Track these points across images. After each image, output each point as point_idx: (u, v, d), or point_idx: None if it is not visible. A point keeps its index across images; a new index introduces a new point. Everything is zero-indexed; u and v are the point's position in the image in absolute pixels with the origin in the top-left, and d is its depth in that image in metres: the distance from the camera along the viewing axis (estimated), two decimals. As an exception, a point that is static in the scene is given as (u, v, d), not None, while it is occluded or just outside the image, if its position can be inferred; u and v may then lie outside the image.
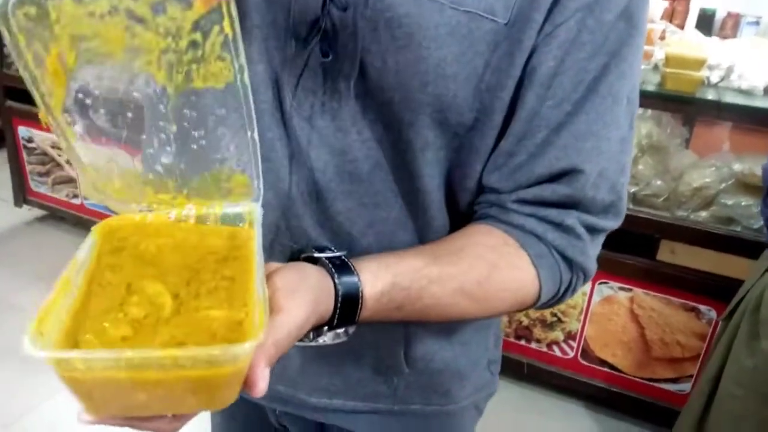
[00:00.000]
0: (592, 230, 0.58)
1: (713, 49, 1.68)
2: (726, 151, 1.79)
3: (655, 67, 1.70)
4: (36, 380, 2.00)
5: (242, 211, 0.51)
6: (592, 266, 0.60)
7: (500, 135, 0.57)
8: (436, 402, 0.75)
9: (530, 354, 2.00)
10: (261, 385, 0.41)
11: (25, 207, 2.89)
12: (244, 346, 0.36)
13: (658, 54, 1.66)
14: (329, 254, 0.53)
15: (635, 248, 1.78)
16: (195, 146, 0.51)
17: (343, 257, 0.52)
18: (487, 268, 0.55)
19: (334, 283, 0.50)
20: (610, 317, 1.85)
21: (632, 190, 1.70)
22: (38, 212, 2.96)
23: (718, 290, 1.66)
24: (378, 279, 0.52)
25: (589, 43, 0.53)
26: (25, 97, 2.63)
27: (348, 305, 0.51)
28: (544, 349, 1.97)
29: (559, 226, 0.57)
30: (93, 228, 0.48)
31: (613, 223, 0.59)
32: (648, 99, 1.64)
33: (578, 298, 1.87)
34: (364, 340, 0.68)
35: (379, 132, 0.58)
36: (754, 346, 1.37)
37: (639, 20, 0.54)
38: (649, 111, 1.76)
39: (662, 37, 1.82)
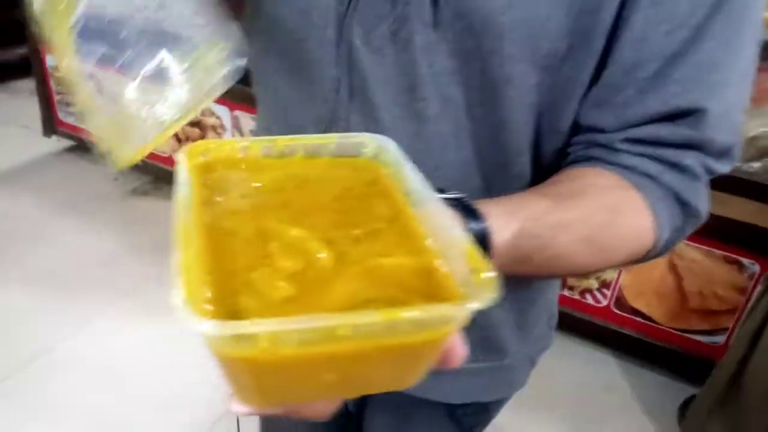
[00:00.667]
0: (709, 172, 0.52)
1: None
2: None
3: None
4: (72, 307, 2.03)
5: (361, 140, 0.43)
6: (706, 209, 0.53)
7: (600, 66, 0.51)
8: (490, 358, 0.73)
9: (562, 302, 1.97)
10: (461, 352, 0.34)
11: (54, 138, 2.88)
12: (486, 298, 0.29)
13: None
14: (448, 195, 0.45)
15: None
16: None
17: (465, 200, 0.44)
18: (609, 213, 0.49)
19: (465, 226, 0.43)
20: (647, 266, 1.81)
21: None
22: (67, 143, 2.95)
23: (764, 244, 1.61)
24: (506, 225, 0.45)
25: None
26: (53, 23, 2.57)
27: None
28: (577, 297, 1.95)
29: (676, 166, 0.51)
30: (181, 159, 0.38)
31: (729, 167, 0.53)
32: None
33: (616, 246, 1.83)
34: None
35: (455, 66, 0.52)
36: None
37: None
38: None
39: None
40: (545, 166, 0.57)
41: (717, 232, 1.69)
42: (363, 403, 0.87)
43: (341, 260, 0.34)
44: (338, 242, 0.35)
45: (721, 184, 1.68)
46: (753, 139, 1.58)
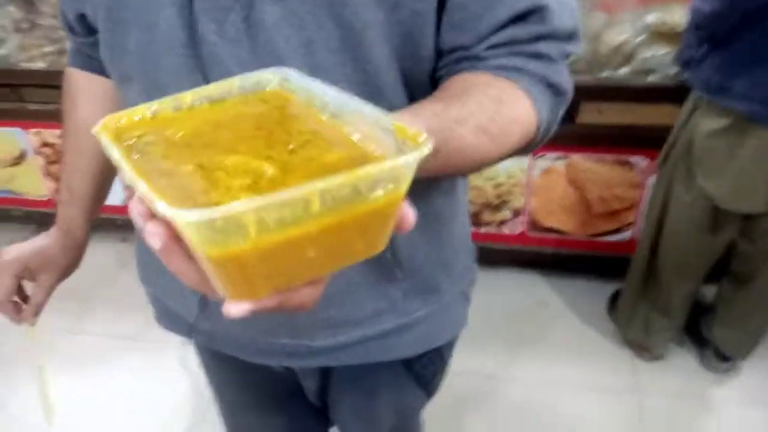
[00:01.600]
0: (564, 55, 0.60)
1: None
2: (633, 4, 1.84)
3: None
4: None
5: (261, 76, 0.45)
6: (570, 87, 0.62)
7: None
8: (432, 300, 0.77)
9: (481, 238, 2.07)
10: (411, 216, 0.37)
11: None
12: (424, 149, 0.33)
13: None
14: None
15: (570, 116, 1.84)
16: None
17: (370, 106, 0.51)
18: (494, 104, 0.55)
19: None
20: (550, 187, 1.93)
21: (554, 60, 1.74)
22: None
23: (646, 141, 1.77)
24: (414, 124, 0.51)
25: None
26: None
27: None
28: (494, 231, 2.05)
29: (535, 56, 0.58)
30: (95, 131, 0.39)
31: (577, 48, 0.62)
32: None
33: (519, 175, 1.93)
34: None
35: (311, 34, 0.56)
36: (690, 183, 1.49)
37: None
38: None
39: None
40: (420, 96, 0.62)
41: (604, 139, 1.83)
42: (324, 391, 0.89)
43: (285, 169, 0.36)
44: (276, 158, 0.37)
45: (597, 95, 1.81)
46: (617, 48, 1.71)
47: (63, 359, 1.97)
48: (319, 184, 0.30)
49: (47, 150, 2.29)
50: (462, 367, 0.90)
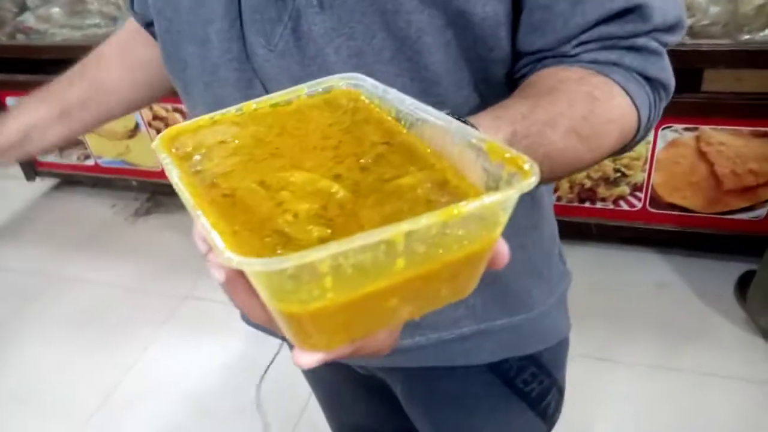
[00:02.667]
0: (664, 45, 0.53)
1: None
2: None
3: None
4: (122, 341, 2.00)
5: (331, 83, 0.40)
6: (673, 81, 0.55)
7: None
8: (521, 311, 0.72)
9: (596, 214, 1.97)
10: (505, 253, 0.33)
11: (38, 179, 2.78)
12: (531, 180, 0.28)
13: None
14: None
15: (693, 84, 1.69)
16: None
17: (452, 114, 0.46)
18: (587, 101, 0.49)
19: None
20: (676, 160, 1.79)
21: (689, 23, 1.58)
22: (50, 182, 2.85)
23: (791, 109, 1.59)
24: (499, 130, 0.45)
25: None
26: (11, 66, 2.44)
27: None
28: (611, 206, 1.94)
29: (631, 48, 0.52)
30: (155, 147, 0.37)
31: (679, 37, 0.54)
32: None
33: (641, 147, 1.80)
34: None
35: (362, 43, 0.52)
36: None
37: None
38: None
39: None
40: (494, 100, 0.55)
41: (740, 110, 1.66)
42: (411, 397, 0.85)
43: (357, 191, 0.32)
44: (346, 176, 0.33)
45: (734, 60, 1.66)
46: (761, 8, 1.54)
47: (179, 322, 2.06)
48: (404, 226, 0.26)
49: (159, 123, 2.37)
50: (571, 351, 0.83)
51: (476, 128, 0.41)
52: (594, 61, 0.51)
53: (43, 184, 2.85)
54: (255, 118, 0.39)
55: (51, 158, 2.67)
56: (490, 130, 0.44)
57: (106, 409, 1.82)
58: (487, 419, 0.82)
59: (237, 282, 0.31)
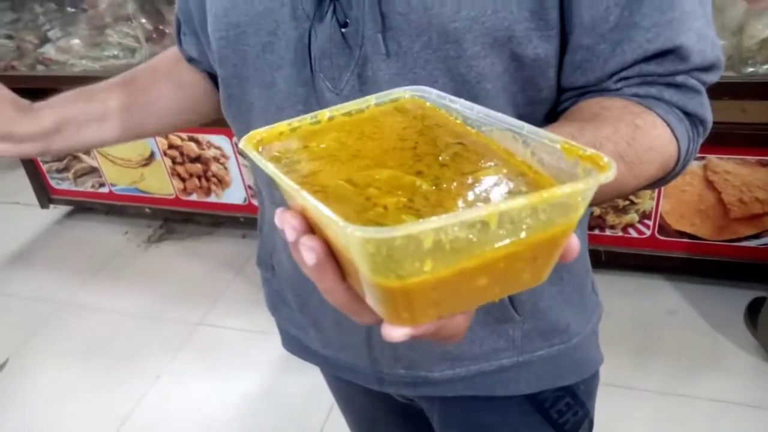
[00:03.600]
0: (703, 84, 0.56)
1: None
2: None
3: None
4: (135, 369, 2.01)
5: (398, 95, 0.43)
6: (710, 117, 0.58)
7: (563, 35, 0.54)
8: (558, 341, 0.73)
9: (605, 241, 2.00)
10: (576, 244, 0.34)
11: (51, 206, 2.82)
12: (609, 173, 0.30)
13: None
14: None
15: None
16: None
17: None
18: (631, 128, 0.51)
19: None
20: (683, 189, 1.83)
21: (694, 56, 1.64)
22: (63, 209, 2.89)
23: (796, 140, 1.63)
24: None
25: None
26: (30, 96, 2.48)
27: None
28: (620, 234, 1.97)
29: (671, 85, 0.54)
30: (243, 146, 0.39)
31: (717, 76, 0.57)
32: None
33: (649, 177, 1.84)
34: None
35: (425, 84, 0.53)
36: None
37: None
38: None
39: None
40: None
41: (746, 139, 1.70)
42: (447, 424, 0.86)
43: (439, 185, 0.34)
44: (427, 172, 0.35)
45: (741, 92, 1.70)
46: (764, 42, 1.59)
47: (192, 350, 2.08)
48: (501, 205, 0.28)
49: (173, 152, 2.41)
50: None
51: None
52: (635, 95, 0.54)
53: (56, 211, 2.89)
54: (333, 126, 0.41)
55: (65, 186, 2.71)
56: None
57: (121, 435, 1.82)
58: None
59: (327, 265, 0.33)
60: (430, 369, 0.73)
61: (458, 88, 0.55)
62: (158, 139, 2.39)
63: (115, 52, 2.27)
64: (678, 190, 1.84)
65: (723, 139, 1.72)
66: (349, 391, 0.98)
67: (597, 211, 1.95)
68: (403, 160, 0.36)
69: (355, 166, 0.36)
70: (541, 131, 0.35)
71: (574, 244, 0.34)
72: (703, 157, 1.76)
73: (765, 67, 1.63)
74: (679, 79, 0.54)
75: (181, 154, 2.40)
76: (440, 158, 0.36)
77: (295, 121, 0.41)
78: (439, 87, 0.54)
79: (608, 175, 0.30)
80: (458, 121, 0.40)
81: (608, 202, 0.64)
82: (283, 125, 0.41)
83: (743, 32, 1.62)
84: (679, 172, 0.58)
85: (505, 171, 0.35)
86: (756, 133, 1.69)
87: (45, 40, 2.37)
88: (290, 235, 0.34)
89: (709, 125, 0.58)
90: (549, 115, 0.59)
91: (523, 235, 0.30)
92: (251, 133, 0.40)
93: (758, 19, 1.62)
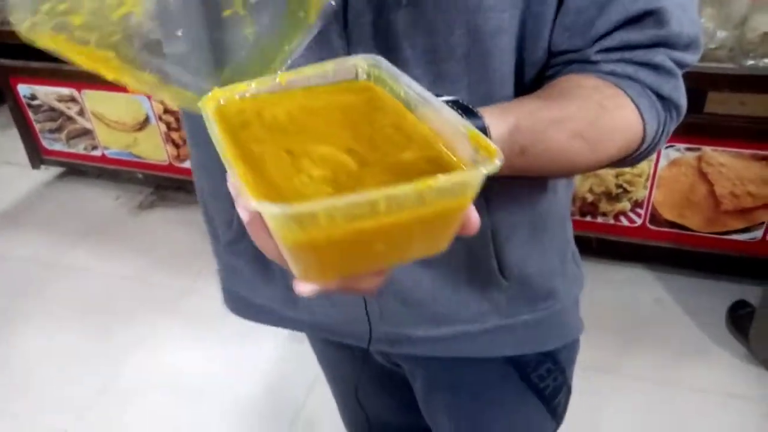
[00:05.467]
0: (680, 65, 0.57)
1: None
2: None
3: None
4: (120, 332, 2.01)
5: (354, 62, 0.47)
6: (685, 102, 0.58)
7: None
8: (542, 306, 0.75)
9: (597, 228, 2.01)
10: (476, 220, 0.38)
11: (42, 167, 2.80)
12: (495, 163, 0.34)
13: None
14: (444, 98, 0.49)
15: (696, 105, 1.74)
16: None
17: (461, 101, 0.48)
18: (596, 109, 0.53)
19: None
20: (677, 179, 1.84)
21: (696, 46, 1.64)
22: (55, 171, 2.87)
23: (792, 135, 1.64)
24: (502, 120, 0.49)
25: None
26: (20, 52, 2.46)
27: None
28: (611, 221, 1.98)
29: (648, 65, 0.55)
30: (201, 105, 0.43)
31: (696, 57, 0.58)
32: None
33: (644, 165, 1.85)
34: (455, 263, 0.68)
35: (442, 35, 0.55)
36: None
37: None
38: (703, -42, 1.66)
39: None
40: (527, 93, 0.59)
41: (741, 132, 1.71)
42: (430, 390, 0.87)
43: (364, 163, 0.39)
44: (357, 150, 0.40)
45: (741, 84, 1.71)
46: (766, 35, 1.59)
47: (179, 316, 2.08)
48: (389, 191, 0.32)
49: (169, 117, 2.39)
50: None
51: (480, 115, 0.48)
52: (612, 73, 0.55)
53: (47, 172, 2.87)
54: (289, 97, 0.45)
55: (57, 147, 2.68)
56: (494, 118, 0.48)
57: (105, 399, 1.83)
58: (501, 412, 0.84)
59: (257, 223, 0.37)
60: (415, 328, 0.74)
61: (474, 42, 0.55)
62: (154, 103, 2.37)
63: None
64: (672, 180, 1.85)
65: (720, 131, 1.73)
66: (333, 356, 0.99)
67: (590, 197, 1.96)
68: (341, 138, 0.41)
69: (299, 140, 0.41)
70: (458, 118, 0.39)
71: (474, 220, 0.38)
72: (698, 149, 1.77)
73: (766, 60, 1.63)
74: (657, 59, 0.55)
75: (177, 119, 2.38)
76: (372, 140, 0.41)
77: (254, 83, 0.45)
78: (456, 38, 0.55)
79: (495, 166, 0.34)
80: (399, 103, 0.44)
81: (570, 175, 0.67)
82: (242, 86, 0.44)
83: (745, 25, 1.62)
84: (648, 152, 0.59)
85: (423, 156, 0.39)
86: (753, 126, 1.69)
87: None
88: (233, 193, 0.38)
89: (683, 110, 0.59)
90: (537, 78, 0.60)
91: (413, 211, 0.34)
92: (213, 92, 0.44)
93: (761, 12, 1.62)
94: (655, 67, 0.55)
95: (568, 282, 0.78)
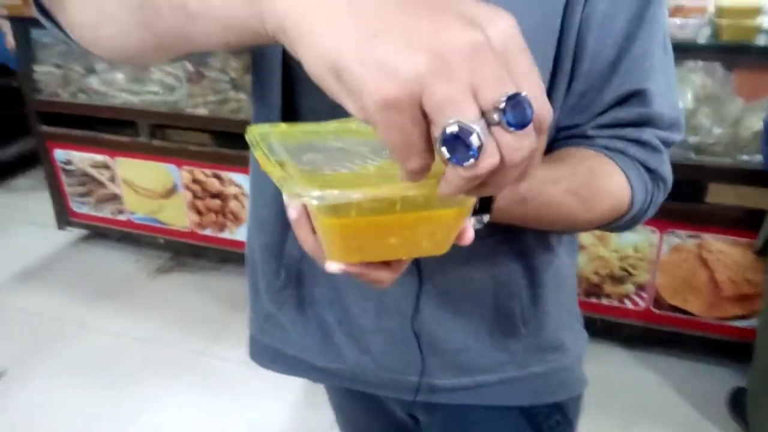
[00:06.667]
0: (665, 143, 0.66)
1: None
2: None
3: (708, 21, 1.76)
4: (130, 392, 2.04)
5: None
6: (670, 176, 0.68)
7: (570, 80, 0.65)
8: (552, 358, 0.81)
9: (601, 310, 2.08)
10: (471, 234, 0.47)
11: (68, 228, 2.91)
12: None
13: (710, 7, 1.72)
14: None
15: (697, 195, 1.86)
16: None
17: None
18: (588, 173, 0.62)
19: None
20: (679, 265, 1.93)
21: (693, 141, 1.77)
22: (79, 233, 2.98)
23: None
24: None
25: None
26: (59, 120, 2.64)
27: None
28: (616, 304, 2.05)
29: (637, 141, 0.64)
30: (248, 135, 0.49)
31: (678, 136, 0.67)
32: (702, 51, 1.72)
33: (646, 249, 1.94)
34: (482, 311, 0.75)
35: None
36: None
37: None
38: (700, 62, 1.82)
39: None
40: None
41: (740, 223, 1.82)
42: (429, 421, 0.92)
43: (383, 173, 0.46)
44: (380, 164, 0.47)
45: (736, 177, 1.83)
46: (757, 134, 1.73)
47: (192, 378, 2.11)
48: (404, 192, 0.39)
49: (195, 186, 2.52)
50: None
51: None
52: (605, 147, 0.65)
53: (71, 234, 2.97)
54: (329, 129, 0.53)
55: (84, 210, 2.81)
56: None
57: (113, 452, 1.84)
58: None
59: (302, 219, 0.47)
60: (439, 377, 0.80)
61: (544, 18, 0.62)
62: (182, 172, 2.51)
63: (155, 89, 2.42)
64: (674, 266, 1.94)
65: (717, 220, 1.83)
66: (350, 407, 1.04)
67: (595, 279, 2.04)
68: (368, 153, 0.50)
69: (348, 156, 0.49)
70: None
71: (468, 232, 0.47)
72: (698, 236, 1.87)
73: (758, 156, 1.76)
74: (644, 135, 0.64)
75: (203, 189, 2.51)
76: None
77: (282, 125, 0.52)
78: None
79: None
80: None
81: (568, 232, 0.76)
82: (269, 125, 0.51)
83: (739, 124, 1.76)
84: (637, 218, 0.68)
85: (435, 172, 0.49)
86: (749, 217, 1.80)
87: (91, 71, 2.52)
88: (286, 200, 0.48)
89: (669, 182, 0.68)
90: (548, 149, 0.69)
91: (420, 212, 0.43)
92: (250, 129, 0.49)
93: (753, 113, 1.77)
94: (643, 144, 0.65)
95: (575, 337, 0.85)
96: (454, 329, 0.77)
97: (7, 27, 2.67)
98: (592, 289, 2.07)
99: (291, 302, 0.83)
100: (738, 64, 1.87)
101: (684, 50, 1.72)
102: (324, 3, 0.33)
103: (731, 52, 1.72)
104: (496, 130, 0.31)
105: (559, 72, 0.65)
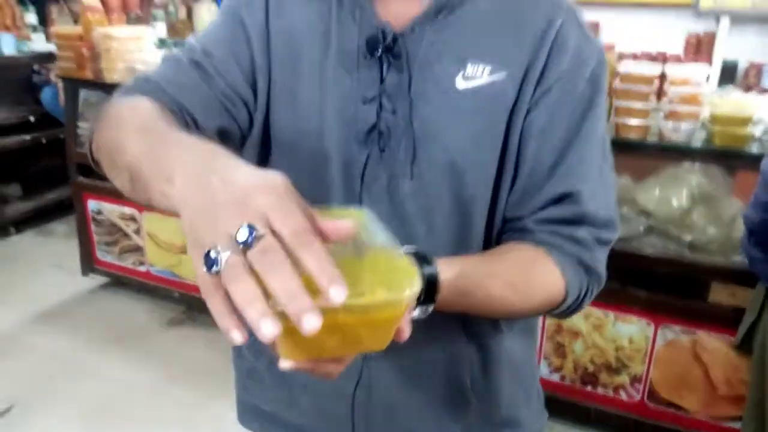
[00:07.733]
0: (599, 241, 0.73)
1: (755, 104, 1.81)
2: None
3: (702, 125, 1.84)
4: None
5: (348, 213, 0.58)
6: (604, 272, 0.75)
7: (513, 178, 0.74)
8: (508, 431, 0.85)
9: (596, 399, 2.07)
10: (407, 332, 0.53)
11: (91, 275, 3.04)
12: (414, 290, 0.48)
13: (705, 113, 1.80)
14: (408, 248, 0.64)
15: (692, 292, 1.89)
16: None
17: (420, 251, 0.63)
18: (525, 267, 0.70)
19: (420, 269, 0.62)
20: (674, 359, 1.93)
21: (689, 238, 1.81)
22: (101, 280, 3.10)
23: (779, 329, 1.75)
24: (449, 268, 0.64)
25: (569, 102, 0.72)
26: (95, 172, 2.80)
27: (430, 287, 0.62)
28: (611, 394, 2.05)
29: (572, 238, 0.72)
30: None
31: (614, 235, 0.75)
32: (697, 153, 1.79)
33: (641, 341, 1.96)
34: (437, 379, 0.81)
35: (433, 202, 0.73)
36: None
37: (602, 81, 0.74)
38: (696, 164, 1.89)
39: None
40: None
41: (734, 322, 1.82)
42: None
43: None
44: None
45: (730, 277, 1.85)
46: (753, 236, 1.76)
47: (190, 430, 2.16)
48: (346, 302, 0.43)
49: (214, 244, 2.63)
50: None
51: (433, 263, 0.62)
52: (544, 242, 0.72)
53: (94, 280, 3.10)
54: None
55: (108, 258, 2.94)
56: (444, 266, 0.64)
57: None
58: None
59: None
60: None
61: (457, 205, 0.74)
62: (203, 231, 2.62)
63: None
64: (669, 361, 1.94)
65: (713, 318, 1.85)
66: None
67: (591, 367, 2.05)
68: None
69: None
70: (402, 260, 0.53)
71: (403, 331, 0.53)
72: (693, 332, 1.88)
73: (753, 258, 1.79)
74: (580, 233, 0.72)
75: (220, 247, 2.61)
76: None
77: None
78: (444, 201, 0.74)
79: (411, 294, 0.48)
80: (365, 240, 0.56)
81: (506, 317, 0.84)
82: None
83: (733, 225, 1.80)
84: (574, 308, 0.75)
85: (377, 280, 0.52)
86: (740, 318, 1.81)
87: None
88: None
89: (602, 277, 0.75)
90: (497, 237, 0.77)
91: (359, 316, 0.47)
92: None
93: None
94: (578, 241, 0.72)
95: (532, 416, 0.89)
96: (411, 395, 0.81)
97: (60, 85, 2.90)
98: (588, 378, 2.07)
99: (268, 353, 0.89)
100: (735, 167, 1.93)
101: (680, 152, 1.79)
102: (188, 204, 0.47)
103: (726, 157, 1.79)
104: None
105: (504, 172, 0.74)
